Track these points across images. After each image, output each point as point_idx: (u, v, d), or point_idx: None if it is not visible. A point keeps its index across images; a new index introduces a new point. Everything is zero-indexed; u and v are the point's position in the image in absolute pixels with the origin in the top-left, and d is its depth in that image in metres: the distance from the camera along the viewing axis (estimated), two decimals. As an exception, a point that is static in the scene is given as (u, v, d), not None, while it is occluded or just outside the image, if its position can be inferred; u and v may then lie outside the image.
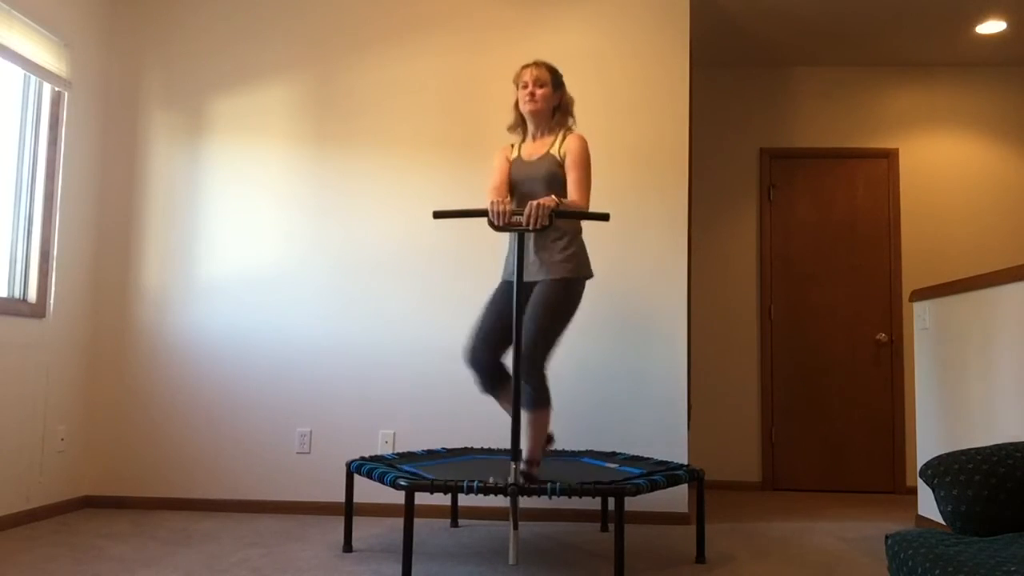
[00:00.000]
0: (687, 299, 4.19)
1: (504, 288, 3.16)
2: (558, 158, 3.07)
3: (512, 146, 3.25)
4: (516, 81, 3.17)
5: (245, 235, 4.28)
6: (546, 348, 2.93)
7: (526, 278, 3.04)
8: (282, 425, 4.17)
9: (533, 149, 3.16)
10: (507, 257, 3.22)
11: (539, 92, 3.10)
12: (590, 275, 3.09)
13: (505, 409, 3.13)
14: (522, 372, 2.85)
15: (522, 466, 2.88)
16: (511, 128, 3.26)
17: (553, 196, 2.92)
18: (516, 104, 3.19)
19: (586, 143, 3.09)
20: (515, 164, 3.17)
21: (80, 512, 4.02)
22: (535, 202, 2.80)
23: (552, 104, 3.14)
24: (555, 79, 3.15)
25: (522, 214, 2.81)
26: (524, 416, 2.90)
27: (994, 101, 5.47)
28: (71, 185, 4.06)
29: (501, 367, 3.10)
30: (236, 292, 4.24)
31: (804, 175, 5.51)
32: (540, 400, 2.92)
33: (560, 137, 3.12)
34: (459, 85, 4.30)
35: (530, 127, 3.19)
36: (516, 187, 3.14)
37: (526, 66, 3.15)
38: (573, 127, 3.19)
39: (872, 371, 5.35)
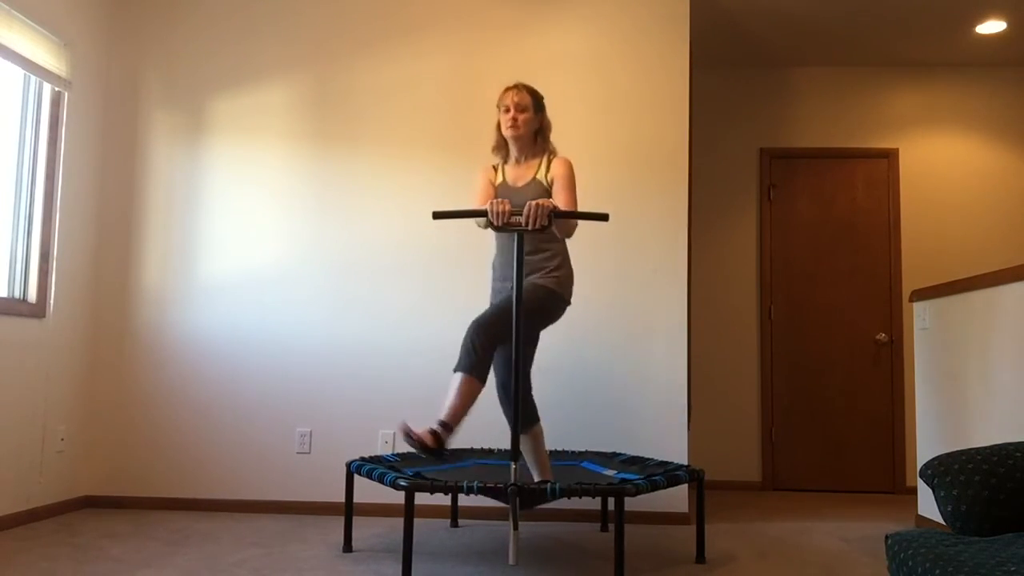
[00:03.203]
0: (687, 299, 4.19)
1: (494, 297, 3.22)
2: (545, 184, 3.08)
3: (495, 169, 3.24)
4: (499, 104, 3.15)
5: (245, 235, 4.28)
6: (500, 339, 2.90)
7: (499, 285, 3.13)
8: (282, 425, 4.17)
9: (518, 174, 3.16)
10: (494, 270, 3.23)
11: (521, 117, 3.09)
12: (569, 300, 3.13)
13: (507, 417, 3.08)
14: (475, 341, 2.85)
15: (436, 425, 2.84)
16: (494, 149, 3.24)
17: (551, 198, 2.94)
18: (498, 125, 3.18)
19: (572, 166, 3.11)
20: (501, 189, 3.15)
21: (80, 512, 4.02)
22: (534, 202, 2.80)
23: (533, 128, 3.14)
24: (536, 102, 3.14)
25: (521, 214, 2.82)
26: (459, 379, 2.87)
27: (994, 101, 5.47)
28: (71, 185, 4.06)
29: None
30: (236, 292, 4.24)
31: (804, 175, 5.51)
32: (479, 372, 2.88)
33: (545, 161, 3.12)
34: (459, 85, 4.30)
35: (512, 151, 3.19)
36: None
37: (508, 89, 3.13)
38: (555, 151, 3.19)
39: (872, 371, 5.35)
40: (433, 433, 2.80)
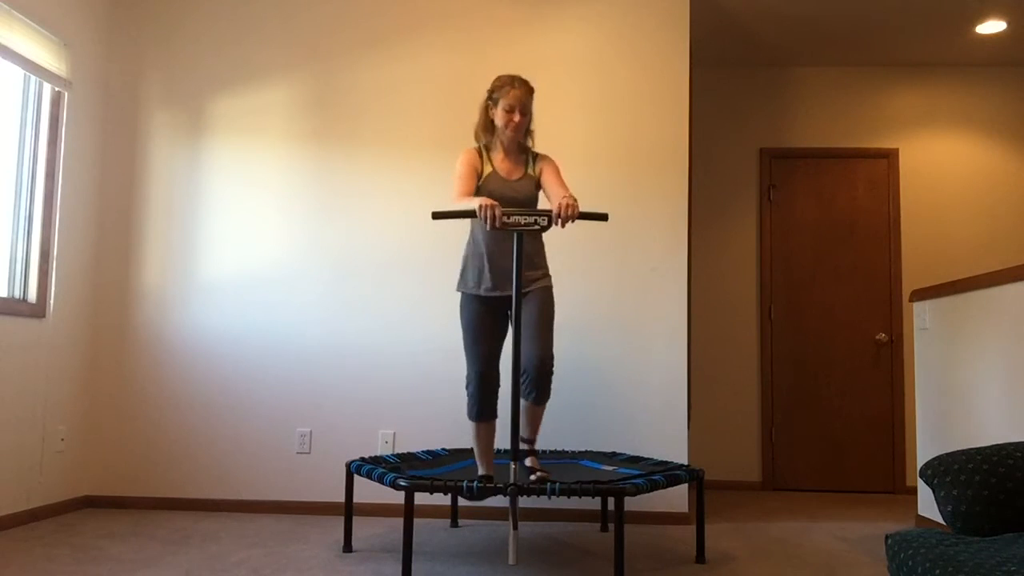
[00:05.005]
0: (687, 299, 4.19)
1: (482, 308, 3.06)
2: (535, 177, 3.14)
3: (478, 154, 3.12)
4: (497, 95, 3.07)
5: (245, 235, 4.28)
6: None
7: (504, 291, 3.05)
8: (282, 425, 4.17)
9: (509, 168, 3.12)
10: (481, 270, 3.07)
11: (523, 120, 3.07)
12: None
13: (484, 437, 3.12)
14: (546, 375, 2.97)
15: (523, 445, 3.07)
16: (478, 134, 3.16)
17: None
18: (485, 109, 3.12)
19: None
20: (492, 178, 3.08)
21: (80, 512, 4.02)
22: (567, 201, 2.79)
23: (527, 127, 3.16)
24: (531, 101, 3.12)
25: (516, 215, 2.81)
26: (535, 410, 3.05)
27: (994, 101, 5.47)
28: (71, 185, 4.06)
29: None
30: (236, 292, 4.24)
31: (804, 175, 5.50)
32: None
33: (531, 159, 3.16)
34: (459, 84, 4.30)
35: (503, 142, 3.12)
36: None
37: (513, 88, 3.06)
38: (535, 148, 3.22)
39: (872, 371, 5.34)
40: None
